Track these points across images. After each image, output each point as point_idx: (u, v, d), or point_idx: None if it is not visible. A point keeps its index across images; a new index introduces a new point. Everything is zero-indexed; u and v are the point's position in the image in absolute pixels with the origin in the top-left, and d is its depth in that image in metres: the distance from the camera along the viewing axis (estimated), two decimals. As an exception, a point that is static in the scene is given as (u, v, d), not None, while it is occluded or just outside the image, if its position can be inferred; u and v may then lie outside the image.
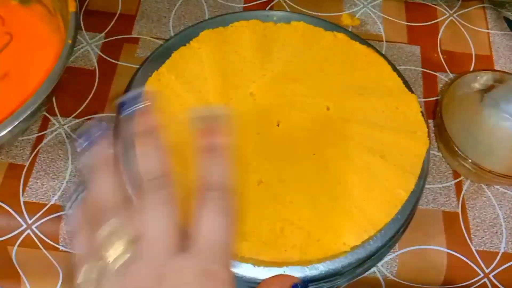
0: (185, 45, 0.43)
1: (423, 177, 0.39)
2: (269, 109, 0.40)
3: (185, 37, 0.44)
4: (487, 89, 0.44)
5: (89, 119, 0.43)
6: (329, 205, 0.36)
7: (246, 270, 0.34)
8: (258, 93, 0.41)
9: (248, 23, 0.45)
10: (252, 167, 0.37)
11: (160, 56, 0.43)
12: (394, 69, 0.43)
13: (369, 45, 0.45)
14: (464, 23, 0.52)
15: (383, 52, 0.48)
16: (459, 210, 0.41)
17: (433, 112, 0.46)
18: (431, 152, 0.44)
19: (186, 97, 0.40)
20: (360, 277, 0.38)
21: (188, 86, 0.41)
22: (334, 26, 0.46)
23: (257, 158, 0.37)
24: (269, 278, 0.31)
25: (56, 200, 0.39)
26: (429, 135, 0.40)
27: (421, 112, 0.41)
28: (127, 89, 0.43)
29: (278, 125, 0.39)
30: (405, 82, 0.42)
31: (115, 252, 0.23)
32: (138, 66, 0.44)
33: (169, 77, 0.41)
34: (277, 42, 0.44)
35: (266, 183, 0.37)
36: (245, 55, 0.43)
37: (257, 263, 0.34)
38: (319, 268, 0.35)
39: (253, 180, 0.37)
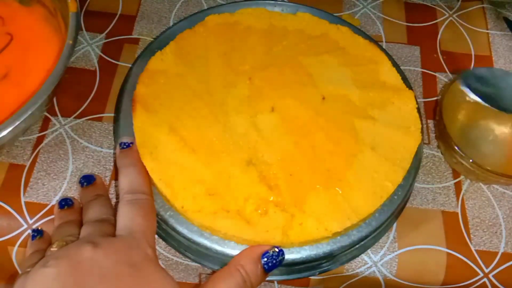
0: (190, 28, 0.44)
1: (413, 172, 0.39)
2: (265, 94, 0.41)
3: (192, 21, 0.45)
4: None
5: (90, 119, 0.44)
6: (315, 191, 0.36)
7: (228, 248, 0.35)
8: (256, 79, 0.41)
9: (254, 10, 0.45)
10: (243, 149, 0.38)
11: (166, 38, 0.44)
12: (395, 65, 0.43)
13: (372, 40, 0.45)
14: (464, 23, 0.53)
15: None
16: (459, 210, 0.42)
17: (433, 112, 0.46)
18: (431, 152, 0.44)
19: (187, 77, 0.41)
20: (344, 264, 0.38)
21: (190, 67, 0.42)
22: (339, 19, 0.47)
23: (249, 141, 0.38)
24: (241, 251, 0.34)
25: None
26: (422, 132, 0.40)
27: (417, 108, 0.41)
28: (135, 62, 0.44)
29: (272, 110, 0.40)
30: (404, 79, 0.43)
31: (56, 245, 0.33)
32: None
33: (171, 57, 0.42)
34: (280, 31, 0.44)
35: (255, 164, 0.37)
36: (248, 41, 0.43)
37: (239, 241, 0.35)
38: (300, 252, 0.35)
39: (242, 160, 0.37)
